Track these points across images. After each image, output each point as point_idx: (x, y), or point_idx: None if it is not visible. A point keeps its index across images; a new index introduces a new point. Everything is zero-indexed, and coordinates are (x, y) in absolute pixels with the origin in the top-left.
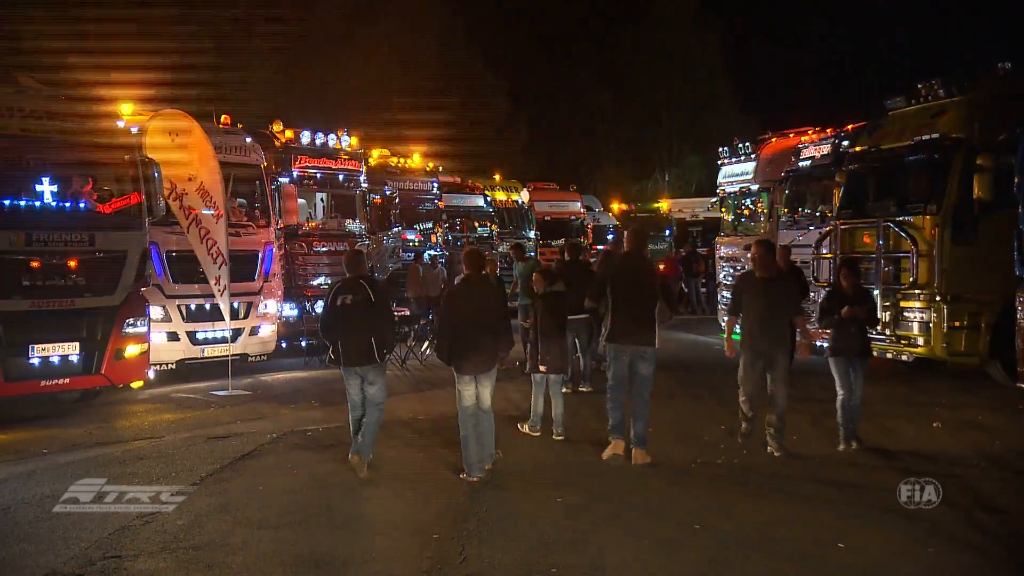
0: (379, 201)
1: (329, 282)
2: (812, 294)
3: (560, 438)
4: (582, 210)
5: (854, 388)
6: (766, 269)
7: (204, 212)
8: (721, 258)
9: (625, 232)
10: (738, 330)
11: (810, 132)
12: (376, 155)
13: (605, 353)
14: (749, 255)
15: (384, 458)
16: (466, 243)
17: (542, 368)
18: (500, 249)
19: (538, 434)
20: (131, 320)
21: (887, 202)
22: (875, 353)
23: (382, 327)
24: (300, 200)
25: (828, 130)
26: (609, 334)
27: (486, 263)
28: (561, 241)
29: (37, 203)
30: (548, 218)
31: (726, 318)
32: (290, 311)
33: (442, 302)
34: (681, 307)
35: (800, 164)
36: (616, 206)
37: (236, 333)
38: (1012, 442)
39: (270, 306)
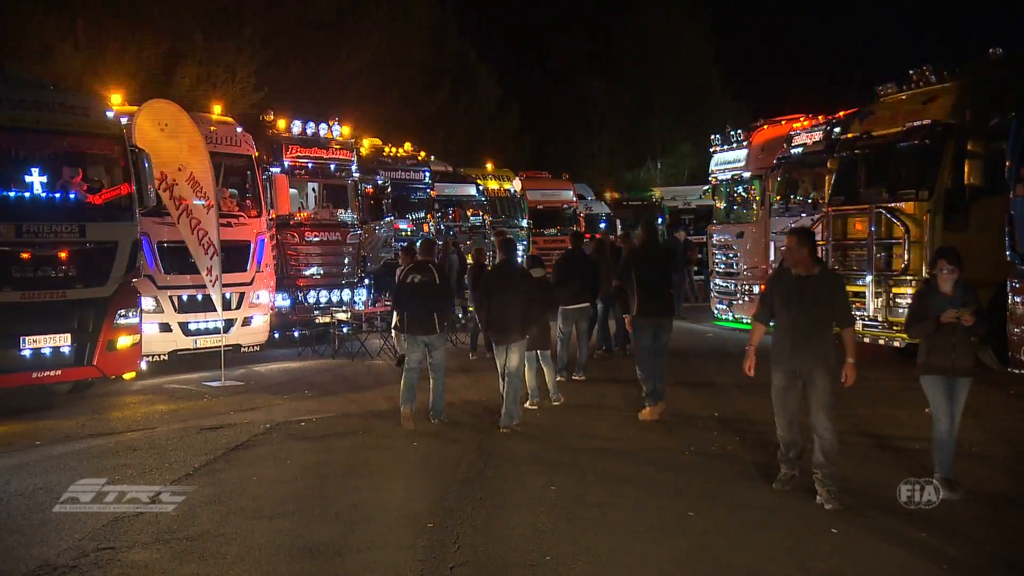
0: (371, 191)
1: (322, 272)
2: None
3: (557, 403)
4: (574, 198)
5: (954, 415)
6: (803, 265)
7: (195, 202)
8: (714, 246)
9: (640, 223)
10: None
11: (802, 119)
12: (367, 144)
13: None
14: (784, 247)
15: (376, 448)
16: (459, 233)
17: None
18: (491, 238)
19: (536, 407)
20: (123, 311)
21: (879, 189)
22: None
23: (443, 303)
24: (292, 190)
25: (820, 117)
26: (637, 310)
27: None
28: (553, 230)
29: (27, 194)
30: (540, 207)
31: (751, 321)
32: (282, 301)
33: (480, 283)
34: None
35: (792, 151)
36: (608, 194)
37: (228, 324)
38: (1003, 427)
39: (262, 296)
